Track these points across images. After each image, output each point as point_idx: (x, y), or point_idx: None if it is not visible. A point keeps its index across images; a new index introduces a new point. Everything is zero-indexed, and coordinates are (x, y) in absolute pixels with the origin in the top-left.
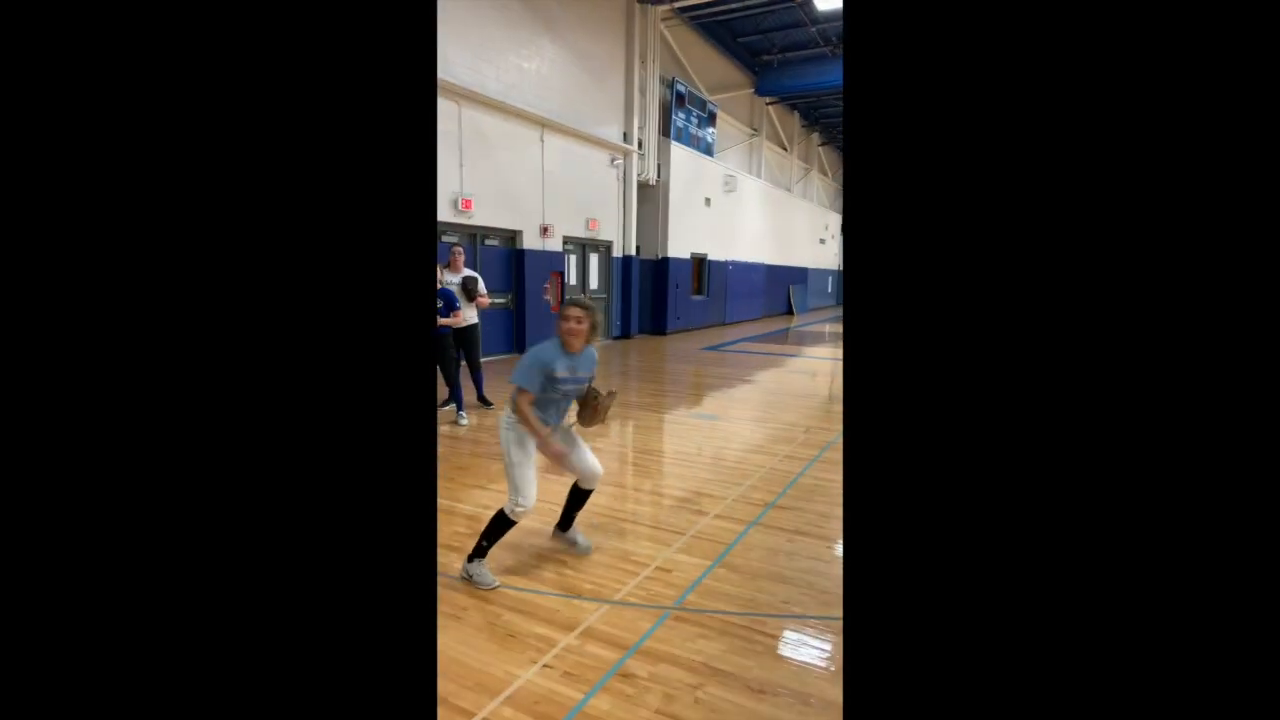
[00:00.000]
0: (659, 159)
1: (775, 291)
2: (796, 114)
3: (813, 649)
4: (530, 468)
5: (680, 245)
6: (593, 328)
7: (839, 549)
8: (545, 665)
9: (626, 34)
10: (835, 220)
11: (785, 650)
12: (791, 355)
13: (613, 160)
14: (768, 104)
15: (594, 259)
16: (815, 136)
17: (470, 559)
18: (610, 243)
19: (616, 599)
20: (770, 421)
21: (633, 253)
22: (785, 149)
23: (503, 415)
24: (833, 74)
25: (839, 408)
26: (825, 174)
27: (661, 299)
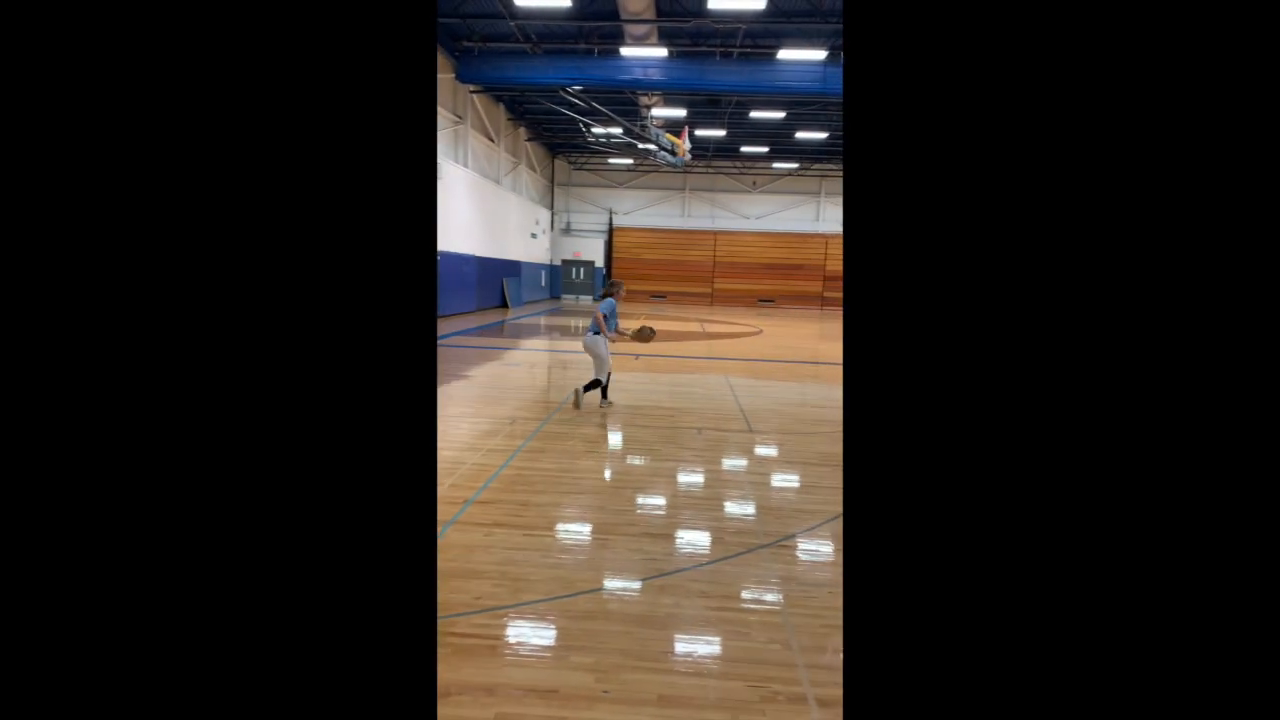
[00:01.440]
0: None
1: (489, 284)
2: (502, 106)
3: (501, 639)
4: None
5: None
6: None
7: (539, 537)
8: None
9: None
10: (546, 215)
11: (473, 646)
12: (508, 348)
13: None
14: (472, 92)
15: None
16: (523, 130)
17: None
18: None
19: None
20: (482, 416)
21: None
22: (493, 140)
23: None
24: (536, 72)
25: (554, 397)
26: (534, 169)
27: None
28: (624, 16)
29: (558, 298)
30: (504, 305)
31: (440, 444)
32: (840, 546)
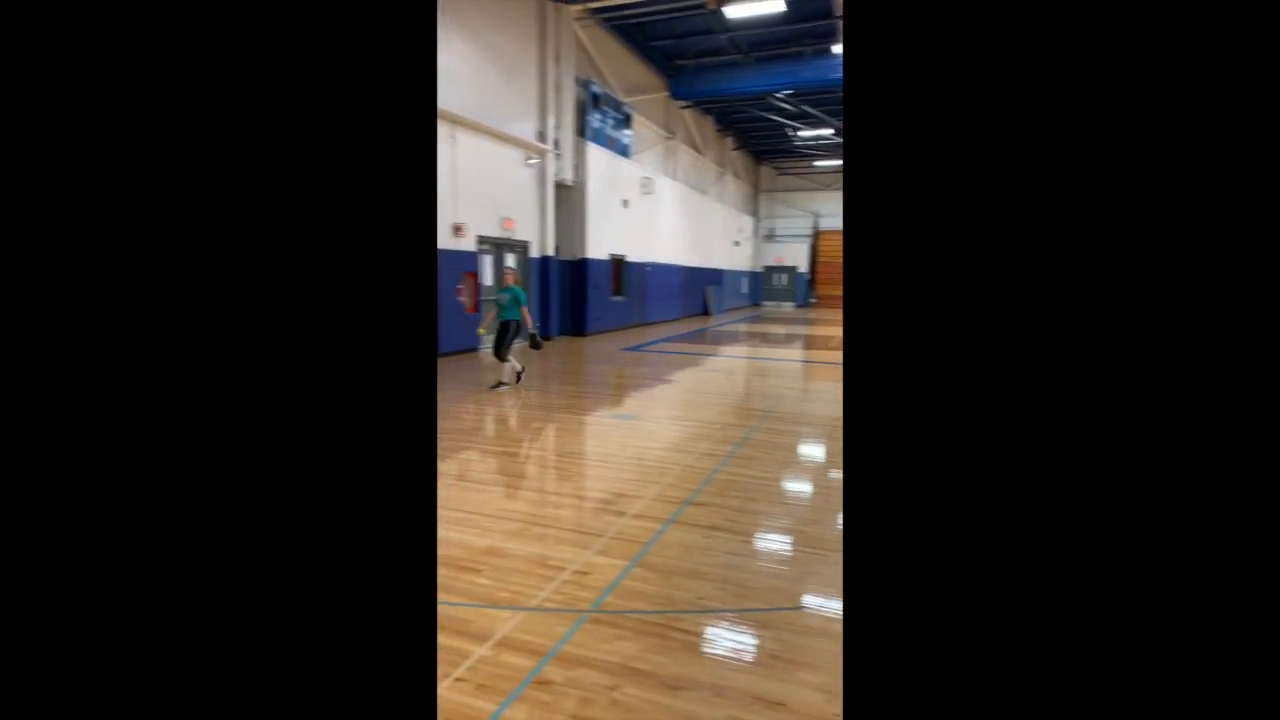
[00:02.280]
0: (575, 159)
1: (693, 292)
2: (711, 118)
3: (728, 642)
4: None
5: (599, 246)
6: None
7: (755, 542)
8: (457, 679)
9: (539, 31)
10: (749, 223)
11: (701, 645)
12: (709, 355)
13: (528, 159)
14: (682, 107)
15: (510, 259)
16: (729, 140)
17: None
18: (527, 243)
19: (533, 605)
20: (688, 420)
21: (551, 253)
22: (700, 152)
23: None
24: (745, 81)
25: (755, 404)
26: (739, 177)
27: (581, 300)
28: (837, 13)
29: (758, 304)
30: (706, 313)
31: (650, 444)
32: None
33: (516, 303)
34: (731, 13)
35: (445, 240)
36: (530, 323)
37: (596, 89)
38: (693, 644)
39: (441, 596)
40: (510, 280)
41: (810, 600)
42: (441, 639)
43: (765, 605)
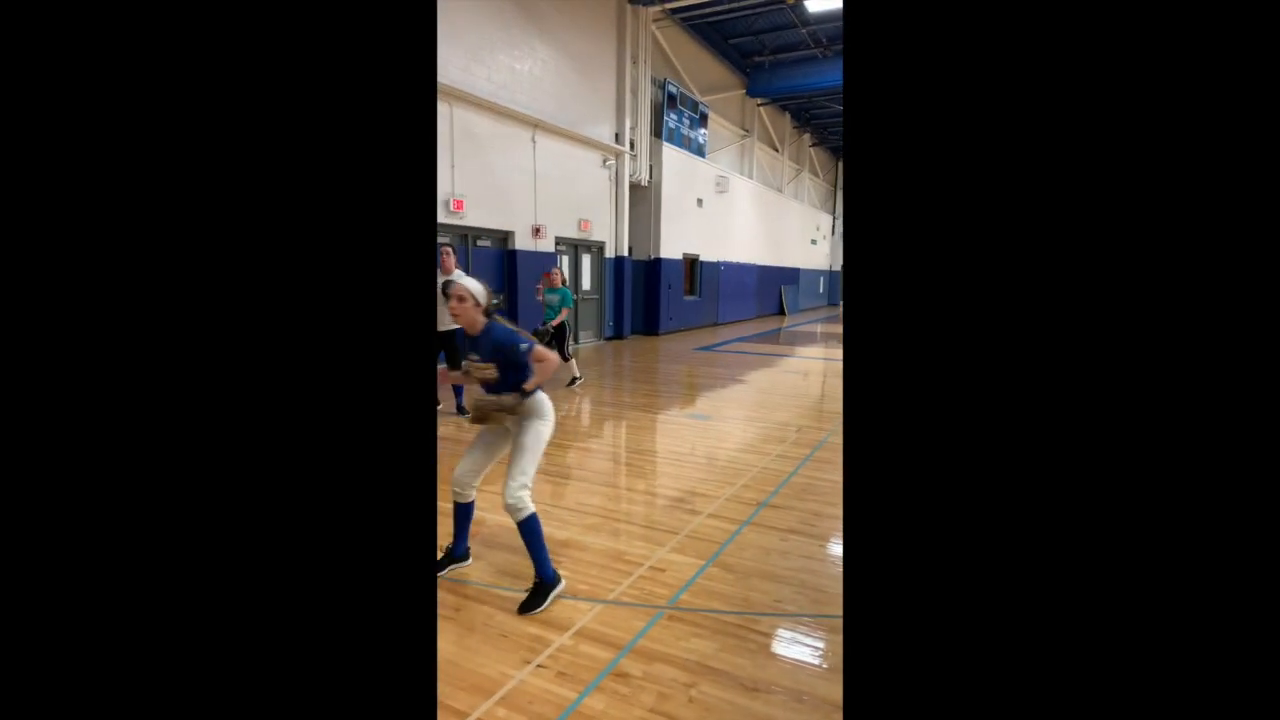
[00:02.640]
0: (651, 160)
1: (767, 292)
2: (788, 115)
3: (806, 647)
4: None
5: (672, 246)
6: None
7: (833, 547)
8: (539, 665)
9: (618, 35)
10: (826, 221)
11: (778, 648)
12: (784, 355)
13: (604, 161)
14: (759, 105)
15: (586, 260)
16: (807, 137)
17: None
18: (603, 243)
19: (610, 599)
20: (762, 421)
21: (625, 253)
22: (777, 150)
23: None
24: (824, 75)
25: (831, 407)
26: (816, 175)
27: (654, 299)
28: None
29: (835, 305)
30: (781, 312)
31: (725, 445)
32: None
33: (564, 303)
34: (813, 6)
35: (526, 242)
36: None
37: (673, 89)
38: (770, 647)
39: (523, 585)
40: (557, 281)
41: None
42: (523, 626)
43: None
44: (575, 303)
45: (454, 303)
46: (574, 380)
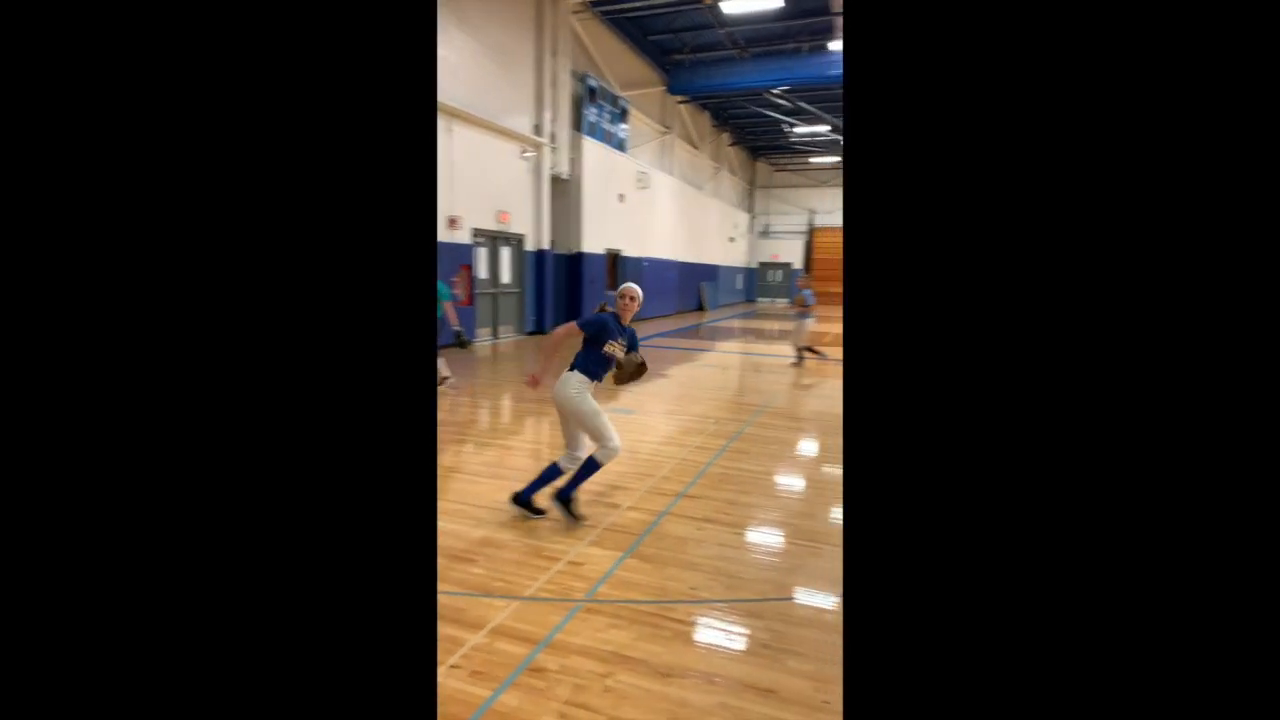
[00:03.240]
0: (571, 153)
1: (687, 288)
2: (707, 114)
3: (718, 631)
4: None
5: (595, 241)
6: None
7: (747, 534)
8: (453, 665)
9: (536, 25)
10: (744, 219)
11: (692, 634)
12: (704, 350)
13: (523, 152)
14: (679, 103)
15: (505, 253)
16: (725, 136)
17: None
18: (522, 236)
19: (527, 595)
20: (683, 414)
21: (546, 247)
22: (697, 147)
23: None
24: (743, 76)
25: (748, 399)
26: (734, 173)
27: (576, 294)
28: (834, 10)
29: (753, 301)
30: (701, 309)
31: (646, 438)
32: None
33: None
34: (729, 8)
35: (440, 233)
36: (455, 320)
37: (593, 83)
38: (685, 633)
39: (438, 586)
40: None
41: (801, 591)
42: (438, 627)
43: (757, 596)
44: (452, 297)
45: (626, 301)
46: (444, 380)
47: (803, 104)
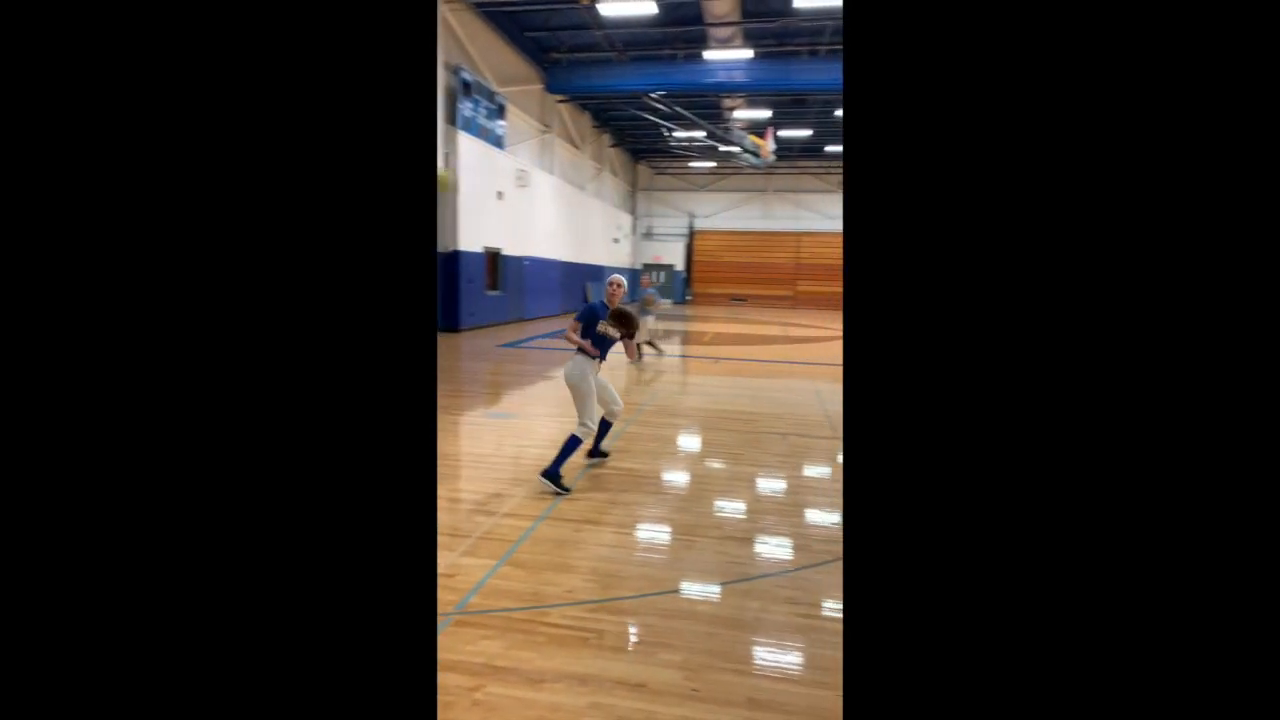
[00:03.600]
0: (446, 148)
1: (572, 287)
2: (588, 114)
3: (591, 631)
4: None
5: (472, 239)
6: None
7: (624, 533)
8: None
9: None
10: (628, 220)
11: (566, 637)
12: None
13: None
14: (559, 102)
15: None
16: (607, 137)
17: (551, 477)
18: None
19: None
20: (567, 416)
21: None
22: (578, 147)
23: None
24: (622, 79)
25: (631, 398)
26: (616, 175)
27: (453, 294)
28: (709, 20)
29: (635, 301)
30: None
31: (528, 442)
32: None
33: None
34: (606, 10)
35: None
36: None
37: (468, 76)
38: (559, 637)
39: None
40: None
41: (676, 584)
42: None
43: (633, 593)
44: None
45: (614, 288)
46: None
47: (679, 109)
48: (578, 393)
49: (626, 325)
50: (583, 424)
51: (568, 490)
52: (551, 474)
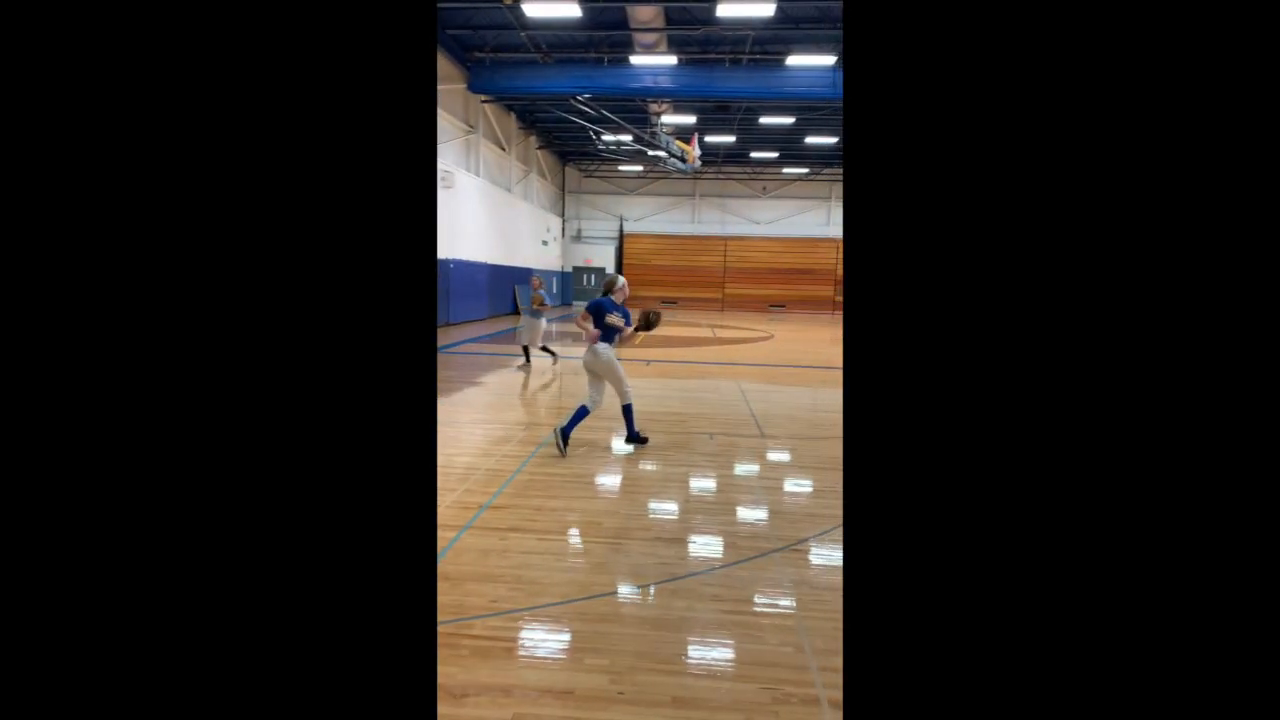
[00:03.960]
0: None
1: (500, 291)
2: (514, 115)
3: (515, 642)
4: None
5: None
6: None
7: (553, 541)
8: None
9: None
10: (556, 223)
11: (490, 649)
12: (518, 355)
13: None
14: (483, 102)
15: None
16: (534, 139)
17: (634, 439)
18: None
19: None
20: (494, 422)
21: None
22: (504, 149)
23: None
24: (547, 81)
25: (563, 403)
26: (544, 177)
27: None
28: (633, 25)
29: (568, 304)
30: (515, 311)
31: (454, 450)
32: None
33: None
34: (530, 11)
35: None
36: None
37: None
38: (483, 649)
39: None
40: None
41: (602, 589)
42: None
43: (558, 599)
44: None
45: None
46: None
47: (606, 112)
48: (611, 374)
49: (648, 322)
50: (625, 393)
51: (646, 440)
52: (633, 437)
